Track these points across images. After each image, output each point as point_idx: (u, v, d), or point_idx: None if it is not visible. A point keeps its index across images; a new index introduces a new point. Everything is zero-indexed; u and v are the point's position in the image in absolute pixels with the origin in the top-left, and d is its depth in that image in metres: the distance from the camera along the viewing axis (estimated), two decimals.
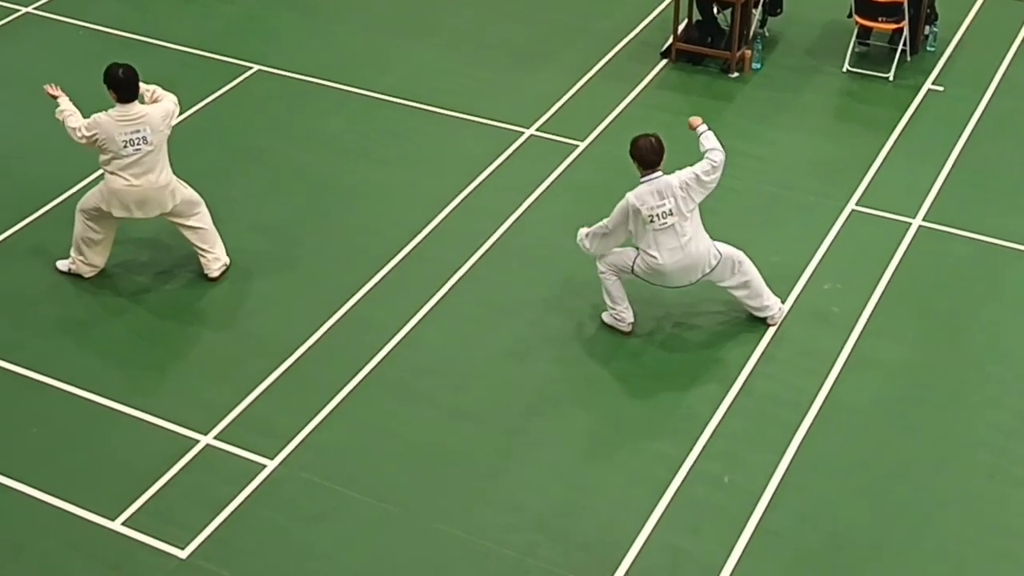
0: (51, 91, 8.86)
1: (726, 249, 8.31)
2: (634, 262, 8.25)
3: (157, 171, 8.64)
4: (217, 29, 12.29)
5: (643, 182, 8.07)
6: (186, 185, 8.95)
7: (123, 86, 8.52)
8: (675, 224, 8.04)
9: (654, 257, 8.10)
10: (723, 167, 8.17)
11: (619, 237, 8.30)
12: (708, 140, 8.26)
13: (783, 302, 8.67)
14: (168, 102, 8.82)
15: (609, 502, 7.41)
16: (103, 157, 8.62)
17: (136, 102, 8.60)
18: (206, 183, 10.04)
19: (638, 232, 8.13)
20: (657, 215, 8.01)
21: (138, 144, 8.50)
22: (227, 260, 9.17)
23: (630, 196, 8.07)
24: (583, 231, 8.46)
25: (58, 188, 10.04)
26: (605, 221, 8.29)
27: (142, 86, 8.74)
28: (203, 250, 9.05)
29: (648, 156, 8.05)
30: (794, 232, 9.42)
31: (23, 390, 8.30)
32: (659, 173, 8.06)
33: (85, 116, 8.65)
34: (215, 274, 9.09)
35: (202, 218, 9.00)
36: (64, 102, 8.78)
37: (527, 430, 7.90)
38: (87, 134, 8.55)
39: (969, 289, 8.90)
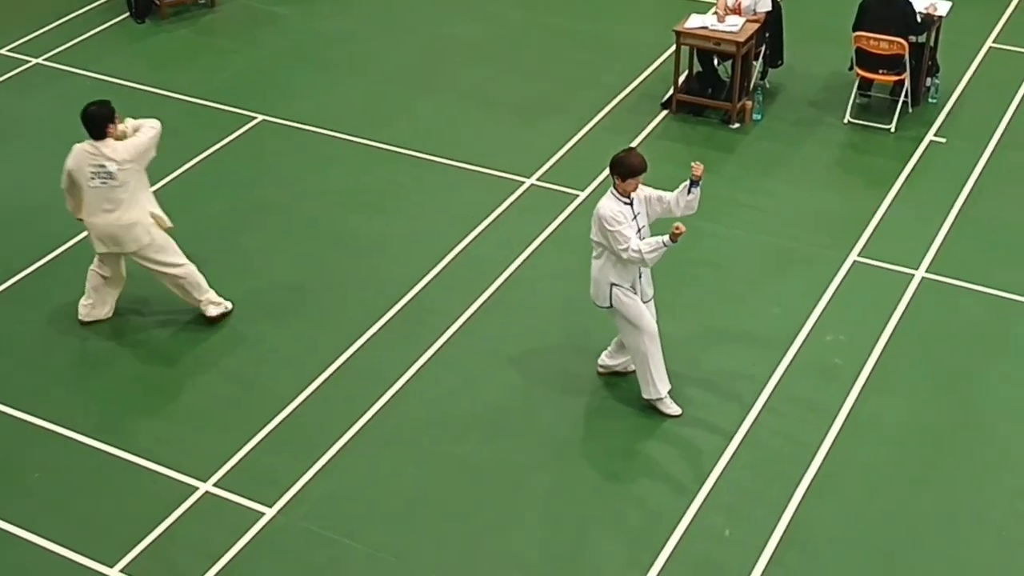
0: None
1: None
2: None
3: (124, 207, 8.71)
4: (225, 80, 12.38)
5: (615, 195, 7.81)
6: (161, 232, 8.95)
7: (86, 123, 8.71)
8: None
9: None
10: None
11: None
12: (694, 200, 7.88)
13: (784, 353, 8.64)
14: (143, 135, 8.81)
15: (611, 557, 7.35)
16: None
17: (107, 140, 8.72)
18: (209, 232, 10.09)
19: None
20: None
21: (104, 178, 8.67)
22: (228, 304, 9.20)
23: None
24: (641, 247, 7.78)
25: (65, 239, 10.09)
26: (623, 239, 7.81)
27: (129, 122, 8.87)
28: (193, 296, 9.07)
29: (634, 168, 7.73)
30: (795, 284, 9.41)
31: (24, 435, 8.28)
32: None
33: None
34: (214, 312, 9.10)
35: (181, 259, 8.98)
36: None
37: (527, 483, 7.85)
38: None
39: (974, 342, 8.86)
